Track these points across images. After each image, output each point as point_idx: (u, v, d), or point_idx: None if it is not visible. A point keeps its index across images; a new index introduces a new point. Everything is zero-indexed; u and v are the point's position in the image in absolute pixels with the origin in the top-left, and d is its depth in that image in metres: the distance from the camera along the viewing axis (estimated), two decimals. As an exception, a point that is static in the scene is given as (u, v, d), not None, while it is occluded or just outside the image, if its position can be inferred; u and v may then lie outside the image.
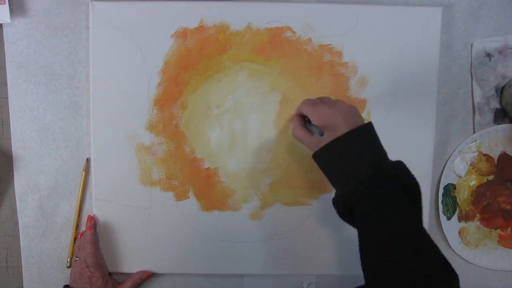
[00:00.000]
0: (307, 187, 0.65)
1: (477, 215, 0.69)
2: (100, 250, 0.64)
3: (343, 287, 0.68)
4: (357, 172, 0.48)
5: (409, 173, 0.49)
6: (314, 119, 0.53)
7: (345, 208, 0.49)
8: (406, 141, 0.65)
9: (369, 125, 0.51)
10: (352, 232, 0.66)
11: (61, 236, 0.65)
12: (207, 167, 0.64)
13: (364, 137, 0.50)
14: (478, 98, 0.67)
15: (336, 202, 0.51)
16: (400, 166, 0.49)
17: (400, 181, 0.48)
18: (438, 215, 0.68)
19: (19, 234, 0.65)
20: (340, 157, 0.50)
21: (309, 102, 0.55)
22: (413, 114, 0.65)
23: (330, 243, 0.66)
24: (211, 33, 0.62)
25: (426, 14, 0.63)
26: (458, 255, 0.69)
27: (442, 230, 0.68)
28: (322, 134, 0.52)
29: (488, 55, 0.66)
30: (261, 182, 0.65)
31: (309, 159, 0.64)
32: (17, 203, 0.64)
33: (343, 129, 0.49)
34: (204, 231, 0.65)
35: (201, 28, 0.62)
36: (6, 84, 0.63)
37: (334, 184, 0.52)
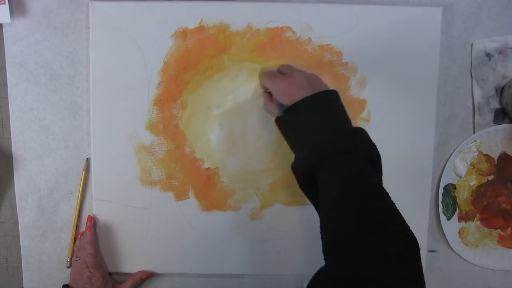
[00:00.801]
0: (307, 187, 0.65)
1: (477, 215, 0.69)
2: (100, 250, 0.64)
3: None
4: (318, 137, 0.48)
5: (369, 139, 0.49)
6: (275, 94, 0.54)
7: (307, 171, 0.48)
8: (406, 141, 0.65)
9: (332, 92, 0.51)
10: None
11: (61, 236, 0.65)
12: (207, 167, 0.64)
13: (325, 103, 0.50)
14: (478, 98, 0.67)
15: (295, 166, 0.50)
16: (361, 132, 0.49)
17: (361, 144, 0.48)
18: (438, 215, 0.68)
19: (19, 234, 0.65)
20: (300, 122, 0.50)
21: (269, 75, 0.56)
22: (413, 114, 0.65)
23: (330, 243, 0.66)
24: (211, 33, 0.62)
25: (426, 14, 0.63)
26: (458, 255, 0.69)
27: (442, 230, 0.68)
28: (280, 115, 0.52)
29: (488, 55, 0.66)
30: (261, 182, 0.65)
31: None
32: (17, 203, 0.64)
33: (308, 91, 0.50)
34: (204, 231, 0.65)
35: (201, 28, 0.62)
36: (6, 84, 0.63)
37: (295, 149, 0.51)
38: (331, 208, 0.46)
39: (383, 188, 0.46)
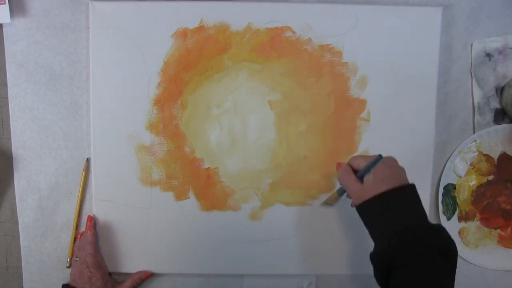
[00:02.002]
0: (307, 187, 0.65)
1: (477, 215, 0.69)
2: (100, 250, 0.64)
3: (343, 286, 0.68)
4: (397, 233, 0.48)
5: (448, 235, 0.50)
6: (370, 175, 0.52)
7: (383, 266, 0.49)
8: (406, 141, 0.65)
9: (413, 186, 0.52)
10: (352, 232, 0.67)
11: (61, 236, 0.65)
12: (207, 167, 0.64)
13: (409, 196, 0.51)
14: (478, 98, 0.67)
15: (375, 259, 0.50)
16: (440, 229, 0.50)
17: (438, 243, 0.48)
18: (438, 215, 0.68)
19: (19, 234, 0.65)
20: (383, 213, 0.50)
21: (363, 156, 0.55)
22: (413, 114, 0.65)
23: (330, 243, 0.66)
24: (211, 33, 0.62)
25: (426, 14, 0.63)
26: (458, 255, 0.68)
27: (442, 230, 0.68)
28: (380, 157, 0.51)
29: (488, 55, 0.66)
30: (261, 182, 0.65)
31: (309, 159, 0.64)
32: (17, 203, 0.64)
33: (389, 184, 0.50)
34: (204, 231, 0.65)
35: (201, 28, 0.62)
36: (6, 84, 0.63)
37: (375, 239, 0.51)
38: None
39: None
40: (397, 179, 0.51)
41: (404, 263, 0.47)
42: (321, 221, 0.66)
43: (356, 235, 0.66)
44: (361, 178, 0.53)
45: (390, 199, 0.50)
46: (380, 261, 0.49)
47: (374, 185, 0.51)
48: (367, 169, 0.52)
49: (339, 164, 0.57)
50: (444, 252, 0.48)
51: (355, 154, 0.65)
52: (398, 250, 0.48)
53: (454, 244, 0.50)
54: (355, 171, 0.54)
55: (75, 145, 0.64)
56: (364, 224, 0.52)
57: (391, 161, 0.53)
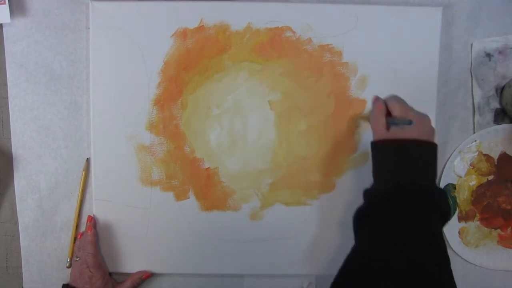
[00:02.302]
0: (307, 187, 0.65)
1: (477, 215, 0.69)
2: (100, 250, 0.64)
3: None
4: (400, 182, 0.49)
5: (446, 200, 0.50)
6: (404, 114, 0.53)
7: (376, 204, 0.49)
8: (406, 141, 0.65)
9: (435, 146, 0.52)
10: (351, 232, 0.66)
11: (61, 236, 0.65)
12: (207, 167, 0.64)
13: (431, 152, 0.51)
14: (478, 98, 0.67)
15: (367, 193, 0.52)
16: (445, 192, 0.53)
17: (442, 204, 0.49)
18: (438, 215, 0.68)
19: (19, 234, 0.65)
20: (394, 159, 0.50)
21: (401, 102, 0.55)
22: (413, 114, 0.65)
23: (330, 243, 0.66)
24: (211, 33, 0.62)
25: (426, 14, 0.63)
26: (458, 255, 0.69)
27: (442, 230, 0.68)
28: (410, 122, 0.51)
29: (488, 55, 0.66)
30: (261, 182, 0.65)
31: (309, 159, 0.64)
32: (17, 203, 0.64)
33: (426, 137, 0.51)
34: (204, 231, 0.65)
35: (201, 28, 0.62)
36: (6, 84, 0.63)
37: (375, 178, 0.52)
38: (374, 249, 0.46)
39: (445, 254, 0.46)
40: (421, 134, 0.51)
41: (397, 204, 0.48)
42: (321, 221, 0.66)
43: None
44: (389, 124, 0.53)
45: (406, 150, 0.50)
46: (373, 198, 0.50)
47: (396, 134, 0.51)
48: (397, 124, 0.52)
49: (376, 98, 0.57)
50: (441, 212, 0.48)
51: (354, 155, 0.65)
52: (396, 193, 0.48)
53: (450, 209, 0.50)
54: (388, 113, 0.54)
55: (75, 145, 0.64)
56: (372, 159, 0.53)
57: (423, 122, 0.52)
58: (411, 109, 0.54)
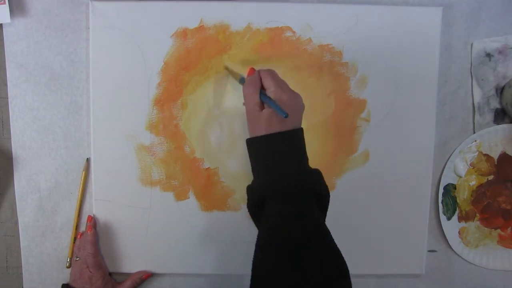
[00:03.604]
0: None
1: (477, 215, 0.69)
2: (100, 250, 0.64)
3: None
4: (275, 173, 0.51)
5: (322, 180, 0.52)
6: (276, 95, 0.52)
7: (258, 199, 0.51)
8: (406, 141, 0.65)
9: (301, 131, 0.53)
10: (351, 232, 0.67)
11: (61, 236, 0.65)
12: (207, 167, 0.64)
13: (293, 141, 0.52)
14: (478, 98, 0.67)
15: (249, 189, 0.53)
16: (315, 174, 0.52)
17: (311, 186, 0.51)
18: (438, 215, 0.68)
19: (19, 234, 0.65)
20: (271, 152, 0.51)
21: (277, 77, 0.54)
22: (413, 114, 0.65)
23: (330, 243, 0.66)
24: (211, 33, 0.62)
25: (426, 14, 0.63)
26: (458, 255, 0.69)
27: (442, 230, 0.68)
28: (287, 115, 0.50)
29: (488, 55, 0.66)
30: (261, 182, 0.65)
31: (309, 159, 0.64)
32: (17, 203, 0.64)
33: (286, 125, 0.51)
34: (204, 231, 0.65)
35: (201, 28, 0.62)
36: (6, 84, 0.63)
37: (256, 174, 0.53)
38: (267, 241, 0.49)
39: (321, 226, 0.50)
40: (292, 121, 0.52)
41: (274, 196, 0.50)
42: (321, 221, 0.65)
43: (355, 235, 0.66)
44: (261, 101, 0.53)
45: (277, 141, 0.51)
46: (253, 193, 0.52)
47: (268, 121, 0.51)
48: (270, 103, 0.52)
49: (251, 71, 0.57)
50: (315, 194, 0.50)
51: (354, 155, 0.65)
52: (271, 186, 0.50)
53: (326, 188, 0.52)
54: (262, 88, 0.54)
55: (75, 145, 0.64)
56: (249, 157, 0.54)
57: (293, 100, 0.53)
58: (285, 88, 0.53)
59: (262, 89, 0.54)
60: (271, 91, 0.53)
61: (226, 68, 0.62)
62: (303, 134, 0.53)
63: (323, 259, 0.46)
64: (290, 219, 0.49)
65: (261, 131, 0.52)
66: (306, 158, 0.53)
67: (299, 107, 0.54)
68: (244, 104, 0.55)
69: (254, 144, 0.53)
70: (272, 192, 0.50)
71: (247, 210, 0.65)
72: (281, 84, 0.54)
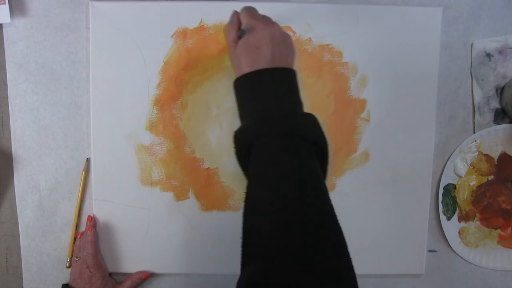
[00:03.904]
0: (307, 187, 0.65)
1: (477, 215, 0.69)
2: (100, 250, 0.64)
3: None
4: (266, 113, 0.46)
5: (319, 126, 0.47)
6: (246, 36, 0.49)
7: (245, 143, 0.46)
8: (406, 141, 0.65)
9: (293, 72, 0.49)
10: (351, 232, 0.66)
11: (61, 236, 0.65)
12: (207, 167, 0.64)
13: (285, 80, 0.47)
14: (478, 98, 0.67)
15: (237, 134, 0.48)
16: (313, 119, 0.47)
17: (309, 132, 0.45)
18: (438, 215, 0.68)
19: (19, 234, 0.65)
20: (255, 92, 0.47)
21: (251, 14, 0.51)
22: (413, 114, 0.65)
23: (330, 243, 0.66)
24: (211, 33, 0.62)
25: (426, 14, 0.63)
26: (458, 255, 0.69)
27: (442, 230, 0.68)
28: (242, 34, 0.48)
29: (488, 55, 0.66)
30: (261, 182, 0.65)
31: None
32: (17, 203, 0.64)
33: (267, 61, 0.47)
34: (204, 231, 0.65)
35: (201, 28, 0.62)
36: (6, 84, 0.63)
37: (242, 117, 0.49)
38: (254, 204, 0.44)
39: (319, 181, 0.43)
40: (278, 59, 0.47)
41: (265, 137, 0.45)
42: (321, 221, 0.65)
43: (355, 235, 0.66)
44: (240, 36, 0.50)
45: (263, 79, 0.46)
46: (240, 138, 0.47)
47: (247, 56, 0.47)
48: (243, 32, 0.49)
49: (233, 13, 0.53)
50: (313, 142, 0.45)
51: (354, 155, 0.65)
52: (261, 128, 0.45)
53: (323, 136, 0.46)
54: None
55: (75, 145, 0.64)
56: (236, 101, 0.49)
57: (271, 29, 0.48)
58: (260, 19, 0.50)
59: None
60: (244, 22, 0.50)
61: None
62: (295, 76, 0.48)
63: (316, 218, 0.41)
64: (277, 163, 0.43)
65: (245, 69, 0.48)
66: (299, 101, 0.48)
67: (285, 43, 0.49)
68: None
69: (238, 84, 0.49)
70: (257, 135, 0.45)
71: (247, 210, 0.65)
72: (256, 16, 0.50)
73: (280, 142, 0.44)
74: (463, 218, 0.69)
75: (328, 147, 0.46)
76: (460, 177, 0.68)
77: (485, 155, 0.68)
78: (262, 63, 0.47)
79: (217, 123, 0.64)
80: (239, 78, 0.49)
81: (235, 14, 0.54)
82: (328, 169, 0.47)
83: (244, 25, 0.50)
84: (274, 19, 0.62)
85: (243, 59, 0.48)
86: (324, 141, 0.46)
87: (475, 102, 0.67)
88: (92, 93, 0.62)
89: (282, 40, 0.49)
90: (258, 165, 0.45)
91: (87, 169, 0.64)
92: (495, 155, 0.68)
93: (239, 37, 0.51)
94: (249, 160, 0.46)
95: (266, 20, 0.51)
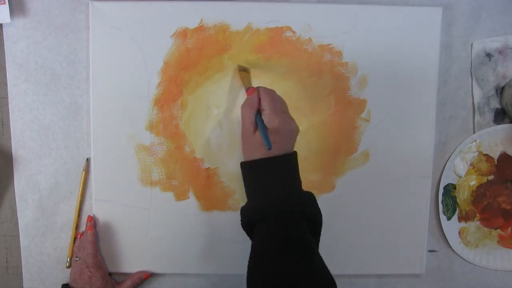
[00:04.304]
0: (307, 187, 0.65)
1: (477, 215, 0.69)
2: (100, 250, 0.64)
3: (342, 287, 0.68)
4: (268, 198, 0.51)
5: (315, 204, 0.53)
6: (268, 121, 0.53)
7: (251, 220, 0.52)
8: (406, 141, 0.65)
9: (294, 155, 0.54)
10: (351, 232, 0.67)
11: (61, 236, 0.65)
12: (207, 167, 0.64)
13: (287, 165, 0.53)
14: (478, 98, 0.67)
15: (245, 212, 0.53)
16: (308, 197, 0.53)
17: (303, 210, 0.51)
18: (438, 215, 0.68)
19: (19, 234, 0.65)
20: (265, 176, 0.52)
21: (277, 99, 0.55)
22: (413, 114, 0.65)
23: (329, 243, 0.66)
24: (211, 33, 0.62)
25: (426, 14, 0.63)
26: (458, 255, 0.69)
27: (442, 230, 0.68)
28: (270, 147, 0.52)
29: (488, 55, 0.66)
30: (261, 182, 0.65)
31: (309, 159, 0.64)
32: (17, 203, 0.64)
33: (283, 149, 0.52)
34: (204, 231, 0.65)
35: (201, 28, 0.62)
36: (6, 84, 0.63)
37: (250, 196, 0.54)
38: (257, 264, 0.50)
39: (308, 248, 0.49)
40: (282, 145, 0.53)
41: (266, 219, 0.50)
42: (321, 221, 0.65)
43: (355, 235, 0.66)
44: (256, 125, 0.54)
45: (267, 167, 0.52)
46: (244, 216, 0.53)
47: (259, 146, 0.52)
48: (260, 129, 0.53)
49: (251, 90, 0.56)
50: (306, 217, 0.51)
51: (354, 155, 0.65)
52: (263, 210, 0.51)
53: (318, 212, 0.52)
54: (259, 110, 0.55)
55: (75, 145, 0.64)
56: (244, 181, 0.55)
57: (285, 125, 0.53)
58: (279, 112, 0.54)
59: (260, 109, 0.55)
60: (265, 114, 0.54)
61: (240, 70, 0.62)
62: (296, 158, 0.54)
63: (310, 283, 0.47)
64: (275, 243, 0.49)
65: (253, 155, 0.53)
66: (298, 182, 0.54)
67: (292, 132, 0.54)
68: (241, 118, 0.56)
69: (245, 168, 0.54)
70: (260, 217, 0.51)
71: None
72: (276, 107, 0.54)
73: (274, 223, 0.50)
74: (463, 218, 0.69)
75: (321, 222, 0.53)
76: (460, 177, 0.68)
77: (485, 155, 0.68)
78: (271, 154, 0.52)
79: (217, 123, 0.64)
80: (248, 162, 0.54)
81: (255, 93, 0.56)
82: (319, 237, 0.53)
83: (265, 119, 0.53)
84: (274, 19, 0.62)
85: (257, 148, 0.53)
86: (318, 215, 0.52)
87: (475, 102, 0.67)
88: (92, 93, 0.62)
89: (293, 131, 0.54)
90: (258, 244, 0.51)
91: (87, 169, 0.64)
92: (495, 155, 0.68)
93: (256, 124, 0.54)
94: (253, 231, 0.52)
95: (284, 114, 0.54)
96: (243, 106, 0.56)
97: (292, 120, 0.55)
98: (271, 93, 0.56)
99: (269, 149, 0.51)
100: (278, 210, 0.50)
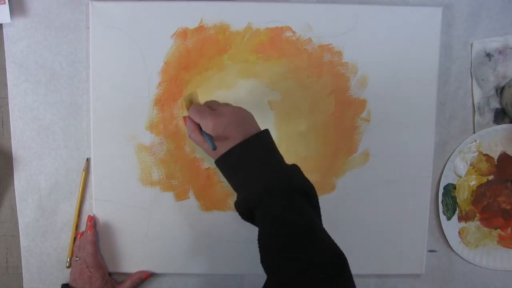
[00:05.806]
0: (307, 187, 0.65)
1: (477, 215, 0.69)
2: (100, 250, 0.64)
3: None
4: (256, 179, 0.51)
5: (302, 175, 0.52)
6: (207, 130, 0.54)
7: (247, 211, 0.52)
8: (406, 141, 0.65)
9: (264, 133, 0.53)
10: (351, 232, 0.67)
11: (61, 236, 0.65)
12: (207, 167, 0.64)
13: (259, 144, 0.53)
14: (478, 98, 0.67)
15: (238, 206, 0.53)
16: (294, 170, 0.52)
17: (295, 183, 0.51)
18: (438, 215, 0.68)
19: (19, 234, 0.65)
20: (239, 165, 0.52)
21: (197, 111, 0.56)
22: (413, 114, 0.65)
23: (330, 243, 0.66)
24: (211, 33, 0.62)
25: (426, 14, 0.63)
26: (458, 255, 0.69)
27: (442, 230, 0.68)
28: (214, 148, 0.52)
29: (488, 55, 0.66)
30: (261, 182, 0.65)
31: (309, 159, 0.64)
32: (17, 203, 0.64)
33: (236, 139, 0.52)
34: (204, 231, 0.65)
35: (201, 28, 0.62)
36: (6, 84, 0.63)
37: (236, 189, 0.54)
38: (266, 244, 0.50)
39: (312, 219, 0.50)
40: (243, 130, 0.53)
41: (262, 202, 0.50)
42: (321, 221, 0.65)
43: (355, 235, 0.66)
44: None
45: (239, 152, 0.52)
46: (242, 206, 0.52)
47: (222, 144, 0.53)
48: (206, 137, 0.54)
49: (184, 120, 0.59)
50: (302, 189, 0.51)
51: (354, 155, 0.65)
52: (256, 194, 0.50)
53: (307, 182, 0.52)
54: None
55: (75, 145, 0.64)
56: (225, 177, 0.55)
57: (220, 118, 0.53)
58: (206, 114, 0.54)
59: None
60: (203, 127, 0.55)
61: (186, 101, 0.62)
62: (266, 135, 0.54)
63: (315, 257, 0.47)
64: (276, 223, 0.49)
65: (223, 151, 0.53)
66: (277, 158, 0.53)
67: (233, 117, 0.54)
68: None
69: (220, 163, 0.54)
70: (252, 205, 0.51)
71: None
72: (203, 116, 0.54)
73: (276, 204, 0.50)
74: (463, 218, 0.69)
75: (314, 189, 0.52)
76: (460, 177, 0.68)
77: (485, 155, 0.68)
78: (237, 142, 0.52)
79: (217, 123, 0.64)
80: (220, 157, 0.53)
81: (188, 120, 0.57)
82: (319, 205, 0.53)
83: (203, 128, 0.54)
84: (274, 19, 0.62)
85: (221, 149, 0.53)
86: (308, 185, 0.52)
87: (475, 102, 0.67)
88: (92, 93, 0.62)
89: (233, 117, 0.54)
90: (264, 224, 0.51)
91: (87, 169, 0.64)
92: (495, 155, 0.68)
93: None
94: (254, 219, 0.53)
95: (212, 112, 0.55)
96: (190, 137, 0.57)
97: (226, 109, 0.55)
98: (192, 110, 0.56)
99: (214, 149, 0.52)
100: (264, 191, 0.50)
